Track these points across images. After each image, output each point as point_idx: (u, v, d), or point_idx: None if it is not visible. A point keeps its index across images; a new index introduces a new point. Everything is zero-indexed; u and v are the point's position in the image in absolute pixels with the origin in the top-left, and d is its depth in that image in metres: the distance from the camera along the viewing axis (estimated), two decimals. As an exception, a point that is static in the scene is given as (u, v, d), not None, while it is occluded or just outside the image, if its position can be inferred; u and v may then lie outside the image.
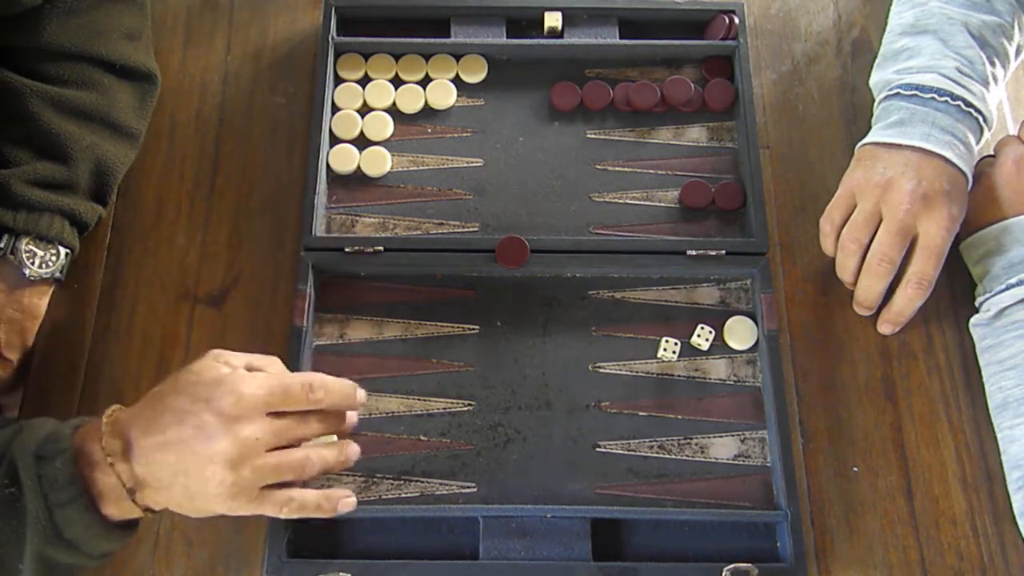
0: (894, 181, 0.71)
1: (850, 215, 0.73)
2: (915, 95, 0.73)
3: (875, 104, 0.77)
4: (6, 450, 0.57)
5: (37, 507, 0.55)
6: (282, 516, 0.61)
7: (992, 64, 0.75)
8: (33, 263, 0.69)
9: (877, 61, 0.80)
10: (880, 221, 0.71)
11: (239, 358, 0.62)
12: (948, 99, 0.72)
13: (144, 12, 0.78)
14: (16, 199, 0.68)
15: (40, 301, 0.72)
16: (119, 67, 0.74)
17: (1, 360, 0.70)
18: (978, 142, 0.74)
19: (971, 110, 0.72)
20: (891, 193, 0.71)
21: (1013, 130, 0.83)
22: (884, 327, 0.74)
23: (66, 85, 0.72)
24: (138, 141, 0.76)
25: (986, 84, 0.74)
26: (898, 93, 0.74)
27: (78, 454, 0.57)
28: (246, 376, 0.59)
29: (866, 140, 0.75)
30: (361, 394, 0.64)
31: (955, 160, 0.71)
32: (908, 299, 0.72)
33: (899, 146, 0.72)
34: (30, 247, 0.69)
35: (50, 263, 0.70)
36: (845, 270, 0.74)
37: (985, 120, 0.73)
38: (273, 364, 0.64)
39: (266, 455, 0.59)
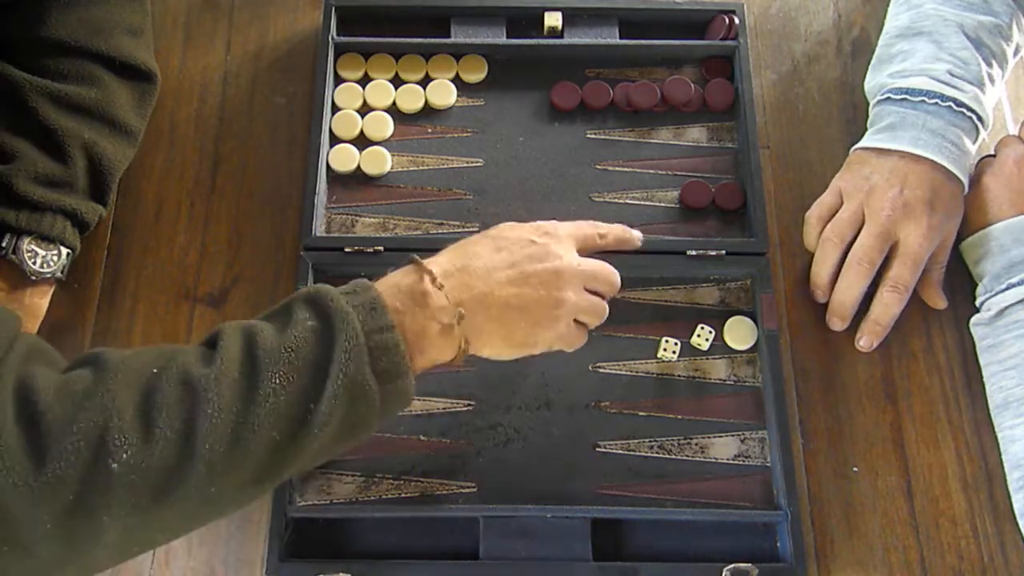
0: (878, 187, 0.72)
1: (835, 214, 0.74)
2: (905, 99, 0.74)
3: (869, 108, 0.78)
4: (292, 299, 0.55)
5: (354, 329, 0.52)
6: (573, 349, 0.64)
7: (988, 64, 0.75)
8: (35, 263, 0.69)
9: (871, 64, 0.80)
10: (863, 223, 0.72)
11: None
12: (938, 101, 0.72)
13: (145, 9, 0.78)
14: (18, 198, 0.68)
15: (41, 301, 0.72)
16: (119, 64, 0.74)
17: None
18: (974, 142, 0.74)
19: (963, 110, 0.72)
20: (874, 198, 0.72)
21: (1013, 130, 0.83)
22: (863, 341, 0.74)
23: (65, 80, 0.72)
24: (137, 139, 0.76)
25: (981, 85, 0.74)
26: (889, 98, 0.75)
27: (389, 291, 0.56)
28: (555, 222, 0.65)
29: (858, 145, 0.76)
30: (636, 234, 0.69)
31: (945, 163, 0.71)
32: (885, 305, 0.72)
33: (888, 151, 0.73)
34: (32, 246, 0.69)
35: (51, 263, 0.70)
36: (823, 265, 0.74)
37: (980, 120, 0.73)
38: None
39: (584, 290, 0.62)
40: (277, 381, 0.50)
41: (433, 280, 0.57)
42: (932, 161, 0.71)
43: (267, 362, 0.51)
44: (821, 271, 0.74)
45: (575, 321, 0.62)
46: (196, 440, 0.48)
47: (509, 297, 0.59)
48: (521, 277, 0.59)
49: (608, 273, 0.64)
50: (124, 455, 0.47)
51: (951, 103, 0.72)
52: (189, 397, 0.49)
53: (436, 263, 0.59)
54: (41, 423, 0.46)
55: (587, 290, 0.63)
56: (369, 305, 0.54)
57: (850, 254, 0.72)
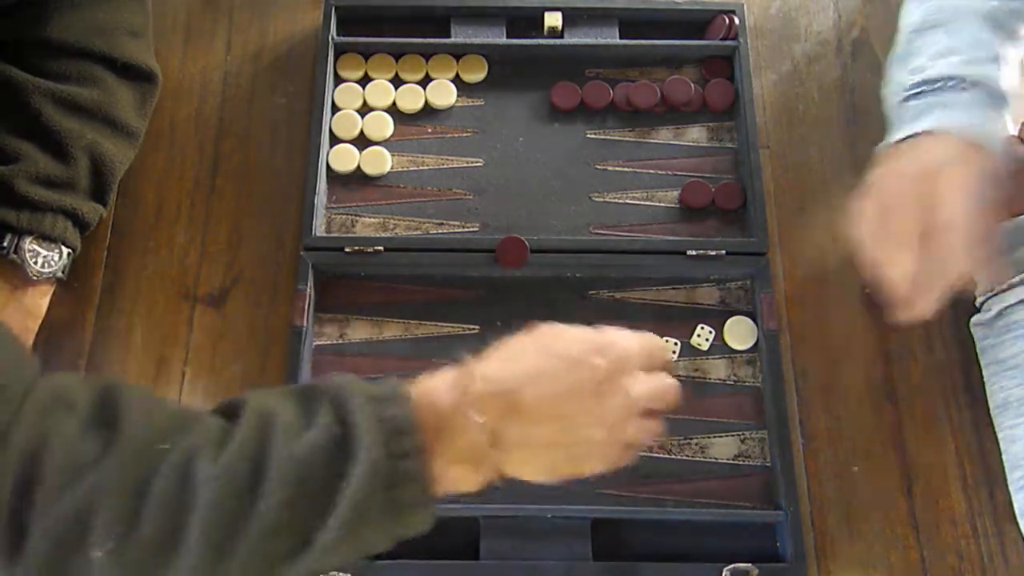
0: (912, 163, 0.67)
1: (882, 218, 0.69)
2: (921, 92, 0.72)
3: (889, 108, 0.76)
4: (320, 391, 0.50)
5: (375, 452, 0.47)
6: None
7: (1009, 43, 0.74)
8: (36, 262, 0.69)
9: (891, 63, 0.78)
10: (905, 204, 0.68)
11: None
12: (955, 83, 0.71)
13: (146, 10, 0.78)
14: (20, 198, 0.68)
15: (42, 301, 0.72)
16: (120, 65, 0.74)
17: (2, 360, 0.70)
18: (999, 119, 0.72)
19: (979, 86, 0.70)
20: (910, 173, 0.67)
21: (1013, 130, 0.82)
22: (919, 305, 0.65)
23: (67, 81, 0.72)
24: (138, 140, 0.76)
25: (998, 63, 0.73)
26: (908, 96, 0.73)
27: (425, 406, 0.50)
28: (620, 333, 0.56)
29: (884, 143, 0.73)
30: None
31: (971, 130, 0.69)
32: (935, 269, 0.65)
33: (915, 137, 0.70)
34: (33, 246, 0.69)
35: (52, 263, 0.70)
36: (875, 251, 0.67)
37: (1003, 98, 0.72)
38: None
39: (640, 416, 0.55)
40: (281, 497, 0.46)
41: (474, 407, 0.51)
42: (957, 133, 0.69)
43: (275, 473, 0.46)
44: (877, 258, 0.67)
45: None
46: (181, 543, 0.45)
47: (556, 436, 0.53)
48: (575, 413, 0.53)
49: (670, 394, 0.57)
50: (108, 544, 0.44)
51: (968, 82, 0.71)
52: (185, 497, 0.45)
53: (483, 378, 0.52)
54: (34, 494, 0.44)
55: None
56: (397, 424, 0.49)
57: (896, 238, 0.66)
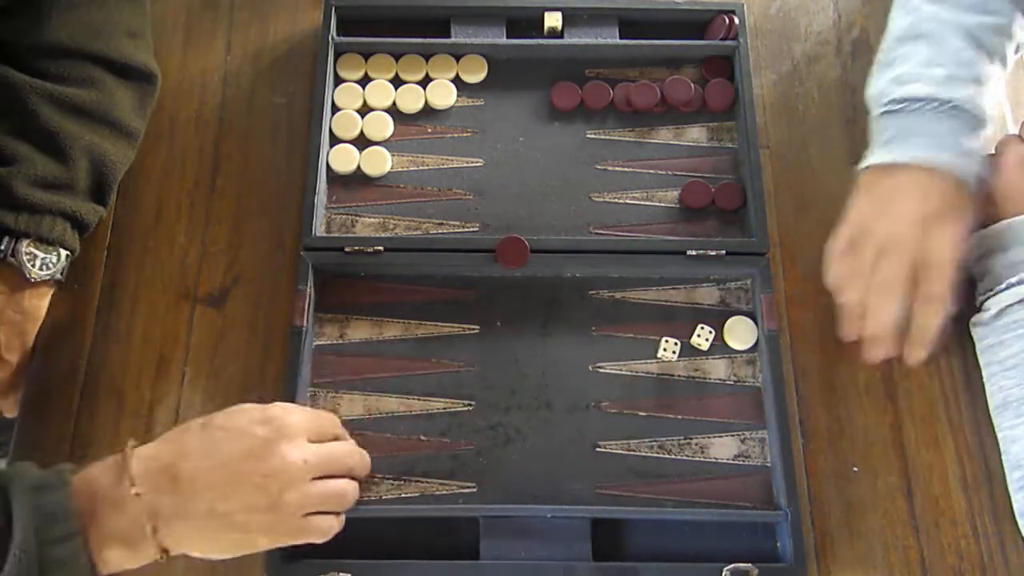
0: (894, 207, 0.70)
1: (854, 244, 0.71)
2: (903, 109, 0.73)
3: (871, 118, 0.77)
4: (3, 478, 0.54)
5: (26, 540, 0.51)
6: (320, 540, 0.60)
7: (989, 63, 0.75)
8: (34, 265, 0.69)
9: (873, 70, 0.79)
10: (886, 248, 0.70)
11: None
12: (937, 105, 0.72)
13: (144, 11, 0.78)
14: (17, 200, 0.68)
15: (40, 303, 0.72)
16: (119, 65, 0.74)
17: (1, 362, 0.70)
18: (978, 142, 0.73)
19: (962, 111, 0.72)
20: (894, 219, 0.69)
21: (1013, 130, 0.82)
22: (912, 357, 0.70)
23: (66, 83, 0.72)
24: (137, 140, 0.76)
25: (980, 84, 0.73)
26: (887, 111, 0.74)
27: (83, 490, 0.54)
28: (287, 407, 0.60)
29: (865, 163, 0.74)
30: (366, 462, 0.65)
31: (953, 168, 0.70)
32: (925, 318, 0.69)
33: (896, 167, 0.71)
34: (31, 249, 0.69)
35: (50, 265, 0.70)
36: (851, 302, 0.70)
37: (981, 119, 0.73)
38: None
39: (312, 482, 0.58)
40: None
41: (132, 483, 0.54)
42: (940, 168, 0.70)
43: None
44: (853, 317, 0.70)
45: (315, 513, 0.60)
46: None
47: (215, 504, 0.55)
48: (232, 479, 0.55)
49: (345, 455, 0.61)
50: None
51: (949, 106, 0.72)
52: None
53: (143, 457, 0.56)
54: None
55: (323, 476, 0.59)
56: (51, 511, 0.52)
57: (880, 280, 0.70)
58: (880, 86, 0.77)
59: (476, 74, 0.83)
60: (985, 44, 0.75)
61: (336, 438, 0.64)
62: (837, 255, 0.73)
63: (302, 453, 0.58)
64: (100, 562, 0.54)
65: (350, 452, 0.63)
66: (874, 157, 0.74)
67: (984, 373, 0.72)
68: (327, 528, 0.60)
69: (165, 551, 0.55)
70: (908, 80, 0.74)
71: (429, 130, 0.81)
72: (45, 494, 0.53)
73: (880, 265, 0.70)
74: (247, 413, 0.59)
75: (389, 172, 0.79)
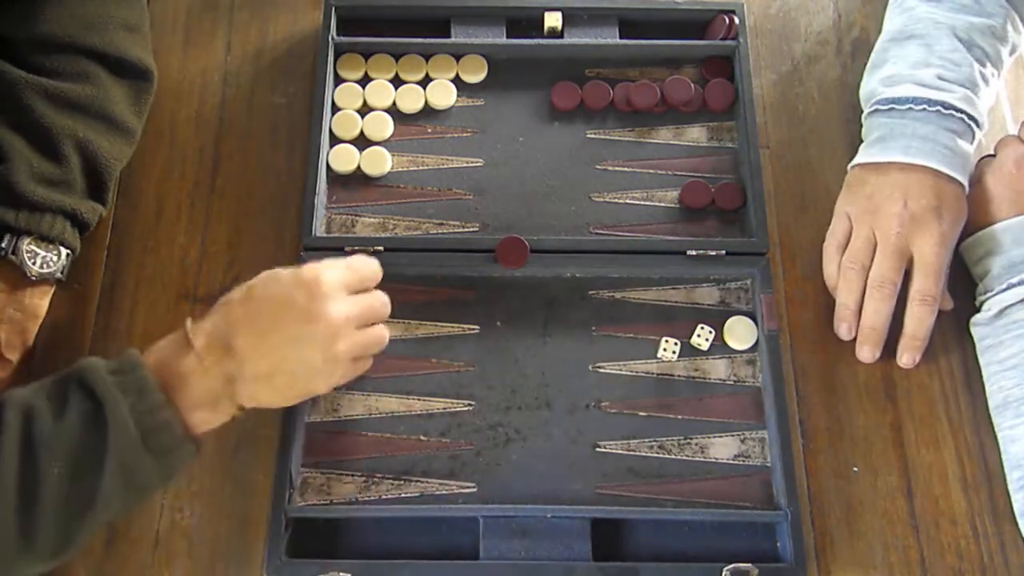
0: (882, 205, 0.72)
1: (848, 240, 0.73)
2: (893, 108, 0.74)
3: (862, 118, 0.78)
4: (68, 377, 0.58)
5: (123, 415, 0.55)
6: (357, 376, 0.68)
7: (981, 65, 0.75)
8: (34, 263, 0.69)
9: (866, 69, 0.80)
10: (876, 245, 0.72)
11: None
12: (926, 106, 0.72)
13: (141, 5, 0.78)
14: (18, 198, 0.68)
15: (41, 301, 0.72)
16: (114, 60, 0.74)
17: (1, 360, 0.70)
18: (970, 143, 0.74)
19: (953, 112, 0.72)
20: (881, 217, 0.72)
21: (1013, 130, 0.82)
22: (904, 358, 0.72)
23: (60, 78, 0.71)
24: (134, 137, 0.76)
25: (973, 86, 0.74)
26: (877, 110, 0.75)
27: (156, 367, 0.58)
28: (320, 265, 0.64)
29: (854, 161, 0.75)
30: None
31: (941, 168, 0.71)
32: (917, 319, 0.71)
33: (884, 166, 0.72)
34: (31, 247, 0.69)
35: (51, 263, 0.70)
36: (849, 296, 0.73)
37: (973, 120, 0.73)
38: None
39: (356, 332, 0.64)
40: (56, 471, 0.54)
41: (200, 359, 0.59)
42: (928, 167, 0.71)
43: (45, 453, 0.55)
44: (848, 303, 0.73)
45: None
46: None
47: (275, 367, 0.61)
48: (285, 344, 0.61)
49: (378, 305, 0.66)
50: None
51: (939, 107, 0.72)
52: None
53: (202, 333, 0.60)
54: None
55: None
56: (138, 387, 0.57)
57: (870, 279, 0.72)
58: (871, 86, 0.77)
59: (476, 74, 0.83)
60: (978, 45, 0.75)
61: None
62: (833, 250, 0.74)
63: (345, 309, 0.63)
64: (190, 423, 0.59)
65: (383, 302, 0.67)
66: (863, 156, 0.74)
67: (984, 373, 0.72)
68: (366, 367, 0.68)
69: (240, 407, 0.62)
70: (899, 80, 0.74)
71: (429, 130, 0.81)
72: (124, 374, 0.57)
73: (872, 265, 0.71)
74: (283, 280, 0.63)
75: (389, 172, 0.79)
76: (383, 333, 0.67)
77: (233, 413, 0.62)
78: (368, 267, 0.67)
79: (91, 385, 0.57)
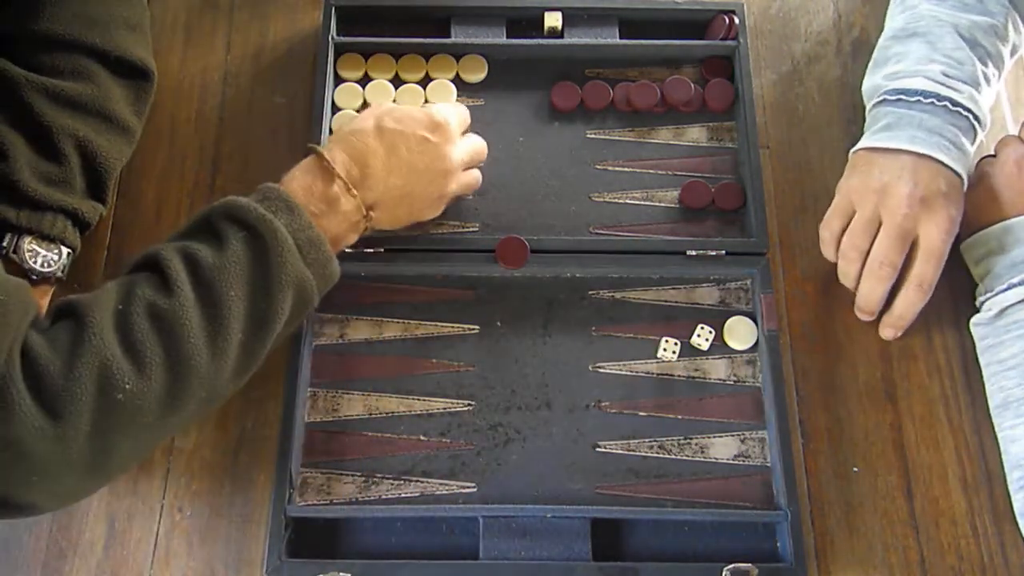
0: (891, 185, 0.71)
1: (848, 221, 0.73)
2: (901, 99, 0.73)
3: (866, 111, 0.78)
4: (210, 217, 0.61)
5: (283, 232, 0.60)
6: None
7: (984, 64, 0.75)
8: (35, 262, 0.69)
9: (868, 66, 0.80)
10: (879, 226, 0.71)
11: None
12: (934, 100, 0.72)
13: (142, 4, 0.78)
14: (19, 196, 0.67)
15: (42, 301, 0.71)
16: (114, 59, 0.73)
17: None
18: (972, 142, 0.74)
19: (959, 110, 0.72)
20: (889, 198, 0.71)
21: (1013, 130, 0.83)
22: (886, 332, 0.74)
23: (60, 76, 0.71)
24: (134, 136, 0.76)
25: (976, 85, 0.74)
26: (884, 100, 0.74)
27: (300, 194, 0.64)
28: (444, 110, 0.72)
29: (859, 146, 0.75)
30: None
31: (947, 161, 0.71)
32: (909, 302, 0.71)
33: (892, 150, 0.72)
34: (33, 246, 0.69)
35: (52, 262, 0.70)
36: (847, 276, 0.73)
37: (977, 119, 0.73)
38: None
39: (463, 172, 0.73)
40: (232, 293, 0.58)
41: (347, 188, 0.65)
42: (935, 159, 0.71)
43: (218, 280, 0.58)
44: (848, 283, 0.74)
45: None
46: (182, 361, 0.55)
47: (405, 195, 0.69)
48: (415, 177, 0.69)
49: (482, 149, 0.76)
50: (126, 386, 0.53)
51: (947, 103, 0.72)
52: (164, 328, 0.56)
53: (339, 163, 0.66)
54: (45, 377, 0.52)
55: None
56: (287, 207, 0.62)
57: (870, 259, 0.71)
58: (876, 81, 0.77)
59: (476, 74, 0.83)
60: (980, 44, 0.75)
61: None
62: (835, 228, 0.73)
63: (461, 154, 0.72)
64: (334, 242, 0.65)
65: (484, 147, 0.76)
66: (869, 141, 0.74)
67: (984, 373, 0.72)
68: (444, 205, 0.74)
69: (368, 230, 0.69)
70: (905, 75, 0.74)
71: (429, 130, 0.81)
72: (270, 200, 0.62)
73: (874, 244, 0.71)
74: (417, 118, 0.70)
75: (389, 172, 0.79)
76: (479, 176, 0.76)
77: (363, 233, 0.68)
78: (467, 111, 0.76)
79: (242, 215, 0.60)
